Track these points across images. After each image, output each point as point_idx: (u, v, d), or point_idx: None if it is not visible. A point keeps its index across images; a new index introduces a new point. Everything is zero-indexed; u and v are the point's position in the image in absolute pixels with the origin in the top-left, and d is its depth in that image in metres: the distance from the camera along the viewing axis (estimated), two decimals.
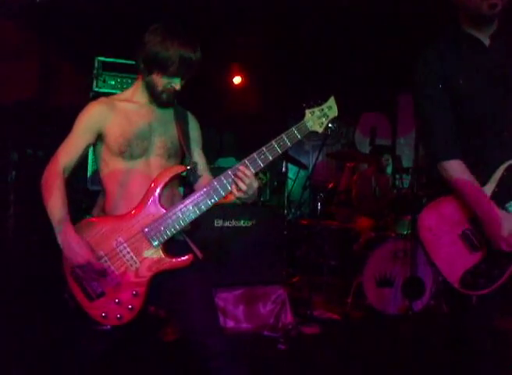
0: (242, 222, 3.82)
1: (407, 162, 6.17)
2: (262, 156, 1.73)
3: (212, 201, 1.74)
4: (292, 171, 5.52)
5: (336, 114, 1.82)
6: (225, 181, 1.74)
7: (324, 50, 5.77)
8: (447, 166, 1.82)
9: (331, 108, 1.82)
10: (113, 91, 3.51)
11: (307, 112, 1.79)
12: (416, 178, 4.52)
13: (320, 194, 4.92)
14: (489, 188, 1.80)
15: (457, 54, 1.88)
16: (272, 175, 4.29)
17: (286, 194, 4.78)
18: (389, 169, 5.55)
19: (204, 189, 1.74)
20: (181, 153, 1.95)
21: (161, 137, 1.89)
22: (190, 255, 1.76)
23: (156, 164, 1.86)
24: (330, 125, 1.82)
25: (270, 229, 3.91)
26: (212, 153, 5.39)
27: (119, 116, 1.84)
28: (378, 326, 3.87)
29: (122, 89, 3.52)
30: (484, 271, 1.78)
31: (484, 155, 1.84)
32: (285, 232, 4.07)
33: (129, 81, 3.64)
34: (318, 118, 1.80)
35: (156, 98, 1.86)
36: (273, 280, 3.82)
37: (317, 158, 4.77)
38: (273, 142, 1.74)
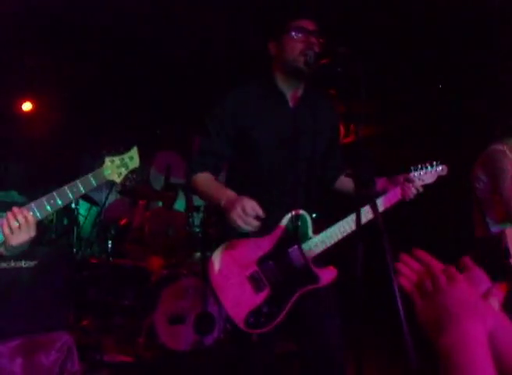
0: (23, 263, 3.45)
1: (199, 201, 6.43)
2: (52, 201, 1.61)
3: None
4: (83, 207, 5.24)
5: (137, 165, 1.82)
6: None
7: (123, 83, 5.74)
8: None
9: (132, 158, 1.81)
10: None
11: (107, 160, 1.75)
12: (206, 216, 4.76)
13: (111, 231, 4.77)
14: (275, 234, 1.97)
15: (261, 105, 2.04)
16: (61, 211, 4.01)
17: (75, 232, 4.51)
18: (181, 206, 5.71)
19: None
20: None
21: None
22: None
23: None
24: (129, 176, 1.85)
25: (56, 269, 3.60)
26: None
27: None
28: (169, 363, 3.87)
29: None
30: (265, 311, 1.91)
31: (271, 204, 1.99)
32: (73, 272, 3.81)
33: None
34: (118, 167, 1.76)
35: None
36: (58, 326, 3.51)
37: (107, 197, 4.64)
38: (66, 188, 1.64)
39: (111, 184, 4.69)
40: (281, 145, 2.06)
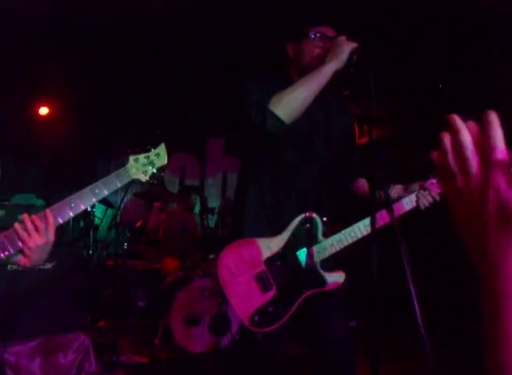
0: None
1: (214, 203, 6.48)
2: (73, 204, 1.53)
3: None
4: (99, 210, 5.30)
5: (165, 162, 1.71)
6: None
7: (137, 86, 5.79)
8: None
9: (159, 155, 1.70)
10: None
11: (131, 158, 1.66)
12: (221, 218, 4.78)
13: (127, 233, 4.81)
14: (285, 236, 1.97)
15: None
16: (78, 214, 4.05)
17: (91, 234, 4.55)
18: (197, 209, 5.75)
19: None
20: None
21: None
22: None
23: None
24: (157, 174, 1.70)
25: (73, 271, 3.65)
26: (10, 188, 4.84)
27: None
28: (185, 364, 3.89)
29: None
30: (271, 310, 1.91)
31: (284, 205, 2.03)
32: (90, 274, 3.86)
33: None
34: (143, 165, 1.66)
35: None
36: (76, 327, 3.55)
37: (122, 199, 4.68)
38: (87, 189, 1.55)
39: (126, 186, 4.72)
40: (295, 146, 2.06)
